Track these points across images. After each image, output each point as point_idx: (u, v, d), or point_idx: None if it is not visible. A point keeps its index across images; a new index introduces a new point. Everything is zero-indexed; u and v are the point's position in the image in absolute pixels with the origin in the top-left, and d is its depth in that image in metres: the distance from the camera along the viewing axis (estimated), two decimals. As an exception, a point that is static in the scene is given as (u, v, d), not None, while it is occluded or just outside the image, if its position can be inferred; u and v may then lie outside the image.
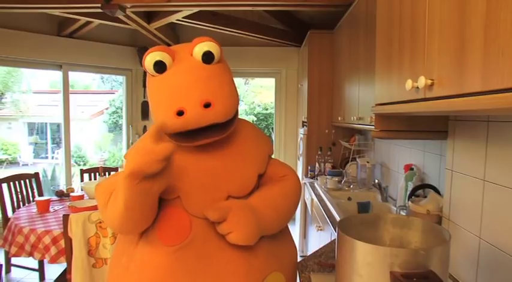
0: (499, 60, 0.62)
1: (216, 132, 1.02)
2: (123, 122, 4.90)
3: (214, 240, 1.02)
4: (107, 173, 3.70)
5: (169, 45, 1.12)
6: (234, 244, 1.01)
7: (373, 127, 1.50)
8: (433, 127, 1.40)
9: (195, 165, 1.06)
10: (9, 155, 10.61)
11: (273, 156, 1.26)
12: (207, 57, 1.04)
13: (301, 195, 1.26)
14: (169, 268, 0.99)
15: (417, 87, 0.94)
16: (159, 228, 1.02)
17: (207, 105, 0.98)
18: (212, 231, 1.02)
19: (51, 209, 2.73)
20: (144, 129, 4.76)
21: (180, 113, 0.97)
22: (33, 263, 2.87)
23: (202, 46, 1.05)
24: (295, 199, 1.17)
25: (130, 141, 4.75)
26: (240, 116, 1.17)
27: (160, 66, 1.03)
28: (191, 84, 1.01)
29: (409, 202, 1.55)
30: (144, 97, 4.74)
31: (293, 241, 1.26)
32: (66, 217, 2.03)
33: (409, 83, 0.98)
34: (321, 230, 2.38)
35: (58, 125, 10.55)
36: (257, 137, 1.21)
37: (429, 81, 0.88)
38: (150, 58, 1.03)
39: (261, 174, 1.14)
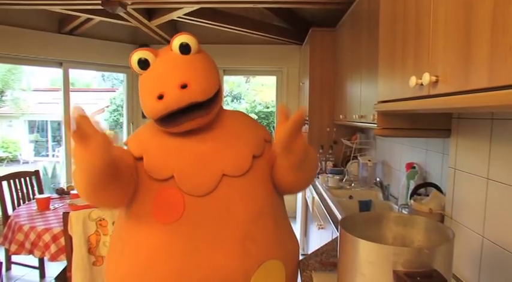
0: (506, 55, 0.61)
1: (199, 114, 1.08)
2: (124, 120, 4.90)
3: (209, 220, 1.03)
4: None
5: (169, 43, 1.15)
6: (229, 225, 1.03)
7: (375, 125, 1.49)
8: (436, 125, 1.39)
9: (189, 147, 1.11)
10: (10, 152, 10.62)
11: None
12: (184, 48, 1.12)
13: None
14: (163, 247, 1.01)
15: (421, 84, 0.93)
16: (153, 207, 1.05)
17: (183, 86, 1.04)
18: (207, 210, 1.04)
19: (51, 207, 2.73)
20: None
21: (161, 97, 1.05)
22: (33, 260, 2.87)
23: (179, 39, 1.13)
24: (317, 162, 1.24)
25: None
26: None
27: (144, 64, 1.12)
28: (169, 71, 1.10)
29: (411, 201, 1.53)
30: (145, 95, 4.73)
31: (295, 234, 1.26)
32: (66, 215, 2.03)
33: (413, 80, 0.97)
34: (322, 228, 2.37)
35: (58, 123, 10.56)
36: (251, 122, 1.26)
37: (434, 78, 0.87)
38: (135, 57, 1.13)
39: (256, 155, 1.15)
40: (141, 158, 1.10)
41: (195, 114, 1.07)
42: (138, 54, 1.12)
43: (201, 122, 1.10)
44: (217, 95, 1.14)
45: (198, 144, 1.11)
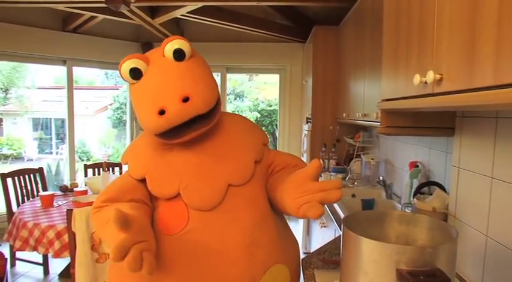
0: (512, 53, 0.60)
1: (201, 124, 1.05)
2: (127, 117, 4.91)
3: (214, 230, 1.03)
4: (110, 169, 3.70)
5: (161, 46, 1.12)
6: (235, 231, 1.02)
7: (378, 123, 1.48)
8: (439, 123, 1.38)
9: (191, 160, 1.08)
10: (14, 150, 10.69)
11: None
12: (178, 54, 1.06)
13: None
14: (169, 257, 1.00)
15: (425, 82, 0.92)
16: (158, 218, 1.05)
17: (185, 100, 1.00)
18: (211, 221, 1.03)
19: (55, 204, 2.75)
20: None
21: (162, 113, 1.00)
22: (37, 257, 2.89)
23: (171, 45, 1.06)
24: None
25: (134, 137, 4.75)
26: (243, 113, 1.18)
27: (135, 73, 1.05)
28: (167, 83, 1.03)
29: (415, 199, 1.53)
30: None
31: (294, 235, 1.27)
32: (70, 212, 2.04)
33: (417, 78, 0.96)
34: (324, 226, 2.37)
35: (62, 121, 10.61)
36: (248, 127, 1.24)
37: (438, 76, 0.86)
38: (125, 67, 1.06)
39: (257, 160, 1.14)
40: (143, 179, 1.08)
41: (198, 126, 1.04)
42: (128, 64, 1.05)
43: (203, 131, 1.07)
44: (218, 103, 1.10)
45: (200, 156, 1.09)
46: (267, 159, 1.20)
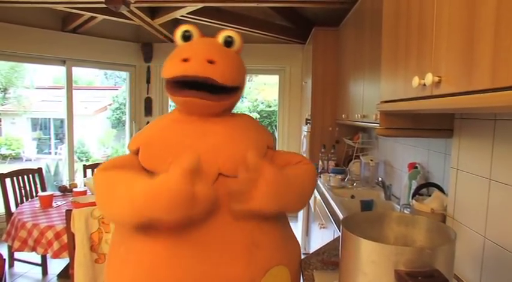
0: (510, 56, 0.61)
1: (209, 96, 1.07)
2: (127, 118, 4.91)
3: (214, 228, 1.01)
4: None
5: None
6: (235, 231, 1.02)
7: (377, 125, 1.49)
8: (438, 125, 1.39)
9: (188, 140, 1.09)
10: (13, 150, 10.66)
11: None
12: (228, 40, 1.17)
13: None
14: (168, 255, 0.98)
15: (424, 84, 0.93)
16: None
17: (210, 61, 1.05)
18: (211, 218, 1.01)
19: (54, 204, 2.74)
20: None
21: (185, 60, 1.05)
22: (36, 257, 2.88)
23: (226, 32, 1.18)
24: (314, 181, 1.22)
25: (133, 138, 4.75)
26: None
27: (186, 36, 1.16)
28: (205, 47, 1.12)
29: (413, 201, 1.53)
30: (148, 93, 4.74)
31: (295, 235, 1.26)
32: (69, 212, 2.04)
33: (415, 80, 0.97)
34: (323, 227, 2.37)
35: (61, 121, 10.59)
36: (256, 126, 1.25)
37: (436, 78, 0.87)
38: (181, 28, 1.17)
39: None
40: (137, 151, 1.09)
41: (207, 94, 1.06)
42: (185, 27, 1.16)
43: (208, 106, 1.09)
44: (235, 90, 1.14)
45: (197, 140, 1.09)
46: (276, 159, 1.20)
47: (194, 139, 1.09)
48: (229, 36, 1.16)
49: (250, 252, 1.02)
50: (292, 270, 1.14)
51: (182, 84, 1.06)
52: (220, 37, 1.16)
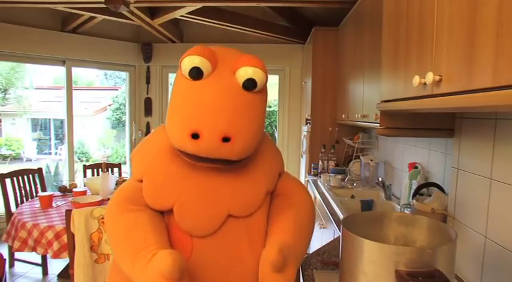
0: (511, 54, 0.60)
1: (225, 167, 0.97)
2: (126, 118, 4.91)
3: (219, 262, 0.98)
4: (109, 169, 3.70)
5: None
6: (238, 267, 0.98)
7: (377, 125, 1.49)
8: (439, 125, 1.39)
9: (196, 178, 0.99)
10: (13, 150, 10.66)
11: None
12: (249, 84, 0.94)
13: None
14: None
15: (424, 84, 0.93)
16: None
17: (225, 140, 0.90)
18: (215, 251, 0.98)
19: (54, 205, 2.74)
20: (147, 125, 4.76)
21: (195, 136, 0.89)
22: (36, 257, 2.88)
23: (247, 70, 0.94)
24: (314, 217, 1.13)
25: (133, 138, 4.75)
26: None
27: (197, 73, 0.93)
28: (219, 108, 0.91)
29: (414, 200, 1.53)
30: (148, 93, 4.74)
31: None
32: (68, 212, 2.03)
33: (416, 79, 0.96)
34: (323, 227, 2.37)
35: (61, 121, 10.59)
36: (271, 153, 1.12)
37: (437, 77, 0.87)
38: (188, 62, 0.93)
39: (269, 191, 1.08)
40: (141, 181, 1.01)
41: (222, 165, 0.95)
42: (192, 60, 0.92)
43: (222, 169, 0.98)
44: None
45: (208, 175, 0.99)
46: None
47: (201, 174, 0.98)
48: (251, 79, 0.93)
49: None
50: None
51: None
52: (240, 78, 0.94)
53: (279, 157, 1.16)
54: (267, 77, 0.98)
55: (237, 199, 0.99)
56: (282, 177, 1.15)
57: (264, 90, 1.01)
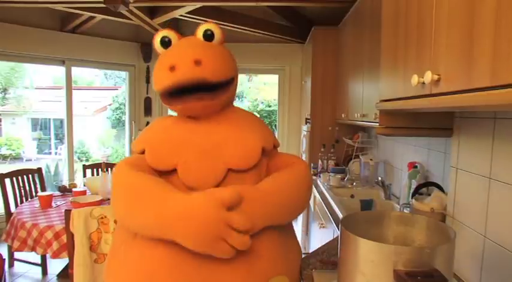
0: (509, 54, 0.60)
1: (207, 96, 1.06)
2: (126, 118, 4.91)
3: None
4: (109, 169, 3.70)
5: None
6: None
7: (377, 124, 1.48)
8: (438, 124, 1.38)
9: (193, 140, 1.08)
10: (13, 150, 10.67)
11: None
12: (208, 35, 1.13)
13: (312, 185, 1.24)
14: (167, 260, 0.97)
15: (423, 83, 0.93)
16: None
17: (197, 63, 1.03)
18: None
19: (53, 204, 2.74)
20: (147, 125, 4.76)
21: (172, 69, 1.03)
22: (35, 257, 2.88)
23: (204, 26, 1.14)
24: (306, 182, 1.15)
25: (133, 137, 4.75)
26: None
27: (165, 42, 1.14)
28: (186, 47, 1.11)
29: (413, 200, 1.53)
30: (147, 93, 4.74)
31: (298, 241, 1.24)
32: (68, 212, 2.03)
33: (415, 79, 0.96)
34: (323, 227, 2.36)
35: (61, 121, 10.59)
36: (261, 123, 1.23)
37: (436, 76, 0.87)
38: (158, 35, 1.15)
39: (265, 148, 1.12)
40: (143, 152, 1.08)
41: (203, 95, 1.05)
42: (161, 33, 1.15)
43: (208, 106, 1.08)
44: (230, 83, 1.12)
45: (202, 138, 1.08)
46: (273, 160, 1.18)
47: (199, 137, 1.08)
48: (208, 30, 1.13)
49: (249, 261, 1.00)
50: (293, 279, 1.11)
51: (176, 92, 1.06)
52: (199, 33, 1.14)
53: (269, 130, 1.24)
54: (223, 32, 1.15)
55: (234, 152, 1.07)
56: (280, 153, 1.23)
57: (223, 45, 1.17)
